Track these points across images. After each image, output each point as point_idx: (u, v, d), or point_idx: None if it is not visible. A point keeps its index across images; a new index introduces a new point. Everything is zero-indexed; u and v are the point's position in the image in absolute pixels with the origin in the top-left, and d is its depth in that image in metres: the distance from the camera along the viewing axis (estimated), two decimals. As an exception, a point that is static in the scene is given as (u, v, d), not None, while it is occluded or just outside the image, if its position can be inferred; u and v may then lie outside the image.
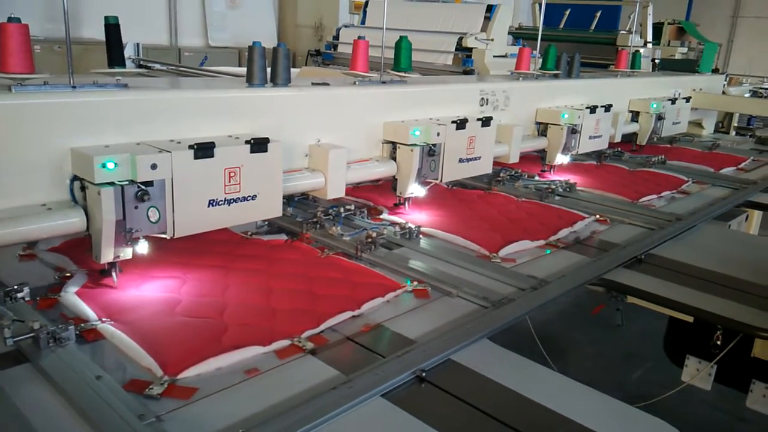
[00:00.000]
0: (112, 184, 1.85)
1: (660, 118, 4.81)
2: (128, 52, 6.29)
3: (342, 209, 2.75)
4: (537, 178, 3.73)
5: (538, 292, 2.18)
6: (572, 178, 3.79)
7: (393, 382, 1.59)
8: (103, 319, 1.82)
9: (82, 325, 1.78)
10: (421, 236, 2.67)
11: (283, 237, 2.59)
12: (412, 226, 2.67)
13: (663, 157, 4.57)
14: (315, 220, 2.67)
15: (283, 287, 2.12)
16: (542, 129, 3.90)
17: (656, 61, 7.11)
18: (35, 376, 1.54)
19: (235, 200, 2.16)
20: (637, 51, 5.36)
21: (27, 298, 1.86)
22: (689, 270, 2.52)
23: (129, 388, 1.51)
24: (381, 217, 2.93)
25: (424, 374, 1.64)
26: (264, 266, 2.28)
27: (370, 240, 2.48)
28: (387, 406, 1.52)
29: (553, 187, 3.50)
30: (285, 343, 1.77)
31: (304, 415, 1.42)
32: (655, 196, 3.65)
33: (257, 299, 2.02)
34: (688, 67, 6.39)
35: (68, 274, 2.11)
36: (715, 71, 6.81)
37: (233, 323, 1.85)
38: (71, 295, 1.95)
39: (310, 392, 1.53)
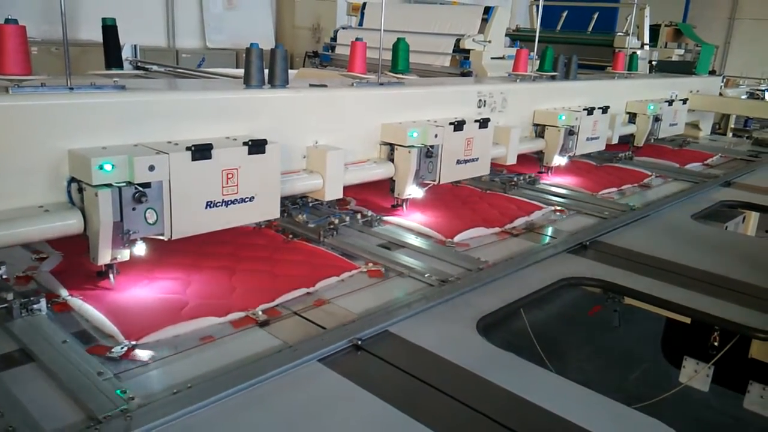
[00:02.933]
0: (109, 185, 1.84)
1: (657, 119, 4.82)
2: (126, 53, 6.29)
3: (309, 198, 2.80)
4: (504, 172, 3.82)
5: (483, 272, 2.34)
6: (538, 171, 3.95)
7: (330, 348, 1.73)
8: (73, 294, 1.95)
9: (54, 299, 1.92)
10: (383, 224, 2.84)
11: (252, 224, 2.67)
12: (373, 214, 2.82)
13: (630, 153, 4.75)
14: (282, 208, 2.69)
15: (246, 268, 2.25)
16: (540, 131, 3.90)
17: (653, 62, 7.12)
18: (7, 339, 1.71)
19: (232, 202, 2.16)
20: (635, 53, 5.37)
21: (5, 276, 1.96)
22: (629, 255, 2.66)
23: (92, 351, 1.66)
24: (348, 207, 3.01)
25: (360, 342, 1.78)
26: (231, 250, 2.40)
27: (332, 226, 2.63)
28: (322, 369, 1.66)
29: (516, 180, 3.65)
30: (240, 314, 1.92)
31: (246, 373, 1.58)
32: (615, 189, 3.84)
33: (220, 279, 2.15)
34: (685, 68, 6.40)
35: (44, 256, 2.21)
36: (712, 73, 6.83)
37: (194, 298, 1.98)
38: (45, 273, 2.06)
39: (256, 356, 1.69)
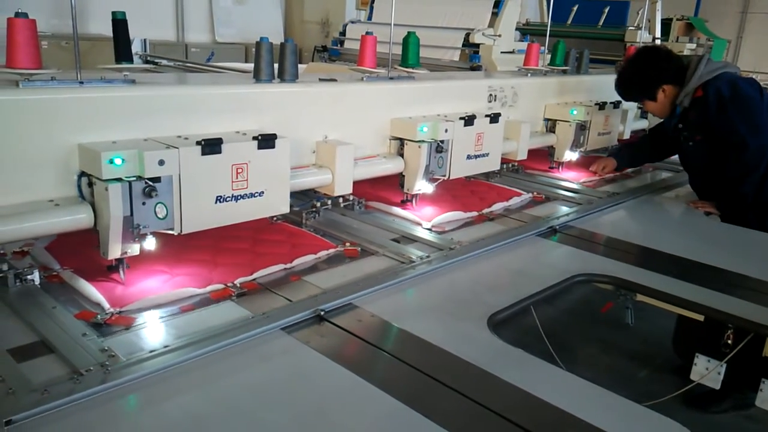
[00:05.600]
0: (119, 180, 1.84)
1: (669, 114, 4.77)
2: (135, 47, 6.30)
3: None
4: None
5: (453, 251, 2.47)
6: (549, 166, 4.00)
7: (294, 318, 1.87)
8: (65, 267, 2.06)
9: (48, 271, 2.06)
10: (364, 208, 2.97)
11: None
12: (355, 198, 2.92)
13: (617, 143, 4.71)
14: None
15: (230, 247, 2.36)
16: (551, 125, 3.88)
17: (665, 57, 7.03)
18: (1, 306, 1.86)
19: (242, 196, 2.16)
20: (653, 44, 5.31)
21: (2, 251, 2.10)
22: (641, 251, 2.72)
23: (79, 316, 1.81)
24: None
25: (323, 313, 1.90)
26: (218, 231, 2.44)
27: (314, 209, 2.79)
28: (283, 336, 1.80)
29: (499, 168, 3.66)
30: (219, 286, 2.05)
31: (210, 337, 1.72)
32: (596, 177, 3.91)
33: (204, 256, 2.28)
34: (697, 63, 6.32)
35: None
36: (732, 65, 6.75)
37: (178, 273, 2.12)
38: (40, 249, 2.19)
39: (228, 325, 1.81)
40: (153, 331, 1.78)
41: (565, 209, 3.23)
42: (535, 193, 3.44)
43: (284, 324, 1.83)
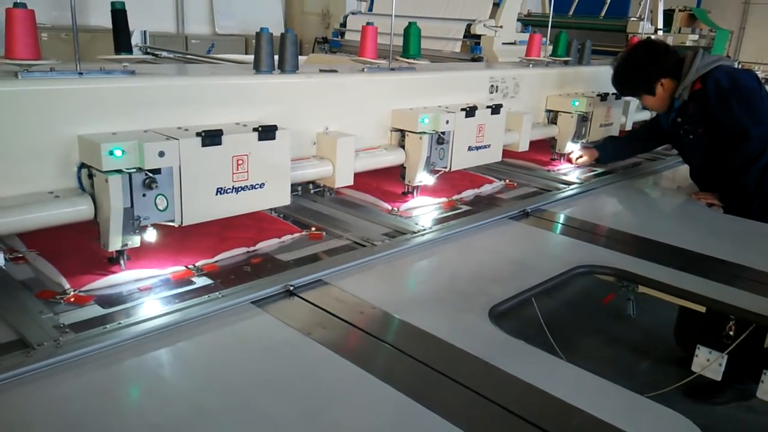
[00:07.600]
0: (119, 171, 1.83)
1: (671, 105, 4.74)
2: (135, 39, 6.28)
3: None
4: None
5: (416, 234, 2.54)
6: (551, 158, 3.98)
7: (264, 292, 1.93)
8: (30, 249, 2.09)
9: (14, 252, 2.10)
10: (335, 194, 2.99)
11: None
12: (326, 185, 2.92)
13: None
14: None
15: (198, 231, 2.34)
16: (552, 117, 3.86)
17: (667, 48, 6.99)
18: None
19: (242, 188, 2.15)
20: (649, 38, 5.28)
21: None
22: (643, 243, 2.70)
23: (39, 296, 1.86)
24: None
25: (292, 288, 1.96)
26: None
27: None
28: (253, 308, 1.87)
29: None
30: (180, 268, 2.09)
31: (179, 309, 1.80)
32: (571, 165, 3.93)
33: (171, 240, 2.23)
34: (699, 54, 6.29)
35: None
36: (727, 58, 6.72)
37: (142, 255, 2.11)
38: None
39: (193, 301, 1.87)
40: (110, 309, 1.82)
41: (536, 194, 3.28)
42: (507, 180, 3.47)
43: (254, 298, 1.89)
